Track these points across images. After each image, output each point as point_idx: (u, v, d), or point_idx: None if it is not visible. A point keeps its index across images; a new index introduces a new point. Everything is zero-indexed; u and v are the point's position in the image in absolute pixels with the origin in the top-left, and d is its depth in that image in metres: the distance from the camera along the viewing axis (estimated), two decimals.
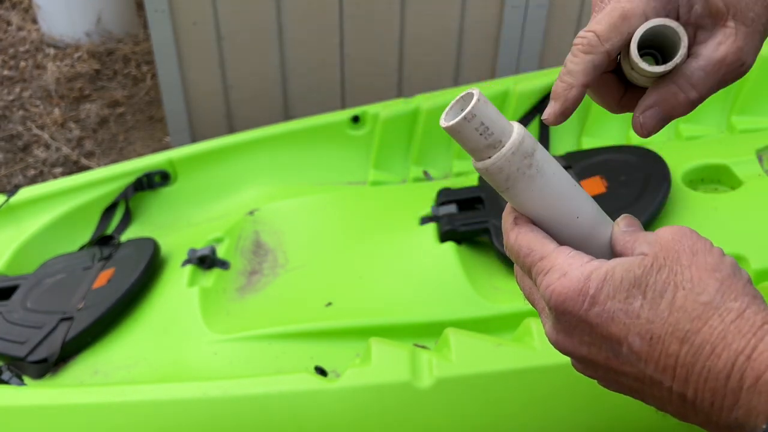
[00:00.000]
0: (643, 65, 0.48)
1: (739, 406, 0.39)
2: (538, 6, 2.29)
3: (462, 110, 0.46)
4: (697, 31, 0.49)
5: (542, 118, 0.50)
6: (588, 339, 0.45)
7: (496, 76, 2.43)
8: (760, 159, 1.25)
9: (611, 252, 0.49)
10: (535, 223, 0.50)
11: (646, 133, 0.51)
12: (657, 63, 0.50)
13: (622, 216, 0.50)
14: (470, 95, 0.46)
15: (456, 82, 2.46)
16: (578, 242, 0.49)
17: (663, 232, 0.45)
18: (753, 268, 1.05)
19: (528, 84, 1.59)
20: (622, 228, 0.49)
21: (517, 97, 1.59)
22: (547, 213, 0.49)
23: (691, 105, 0.50)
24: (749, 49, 0.49)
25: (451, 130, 0.46)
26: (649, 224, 1.16)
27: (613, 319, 0.43)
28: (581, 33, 0.49)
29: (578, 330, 0.45)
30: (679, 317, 0.41)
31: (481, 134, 0.46)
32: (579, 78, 0.49)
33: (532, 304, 0.51)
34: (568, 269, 0.45)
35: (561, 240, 0.49)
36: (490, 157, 0.47)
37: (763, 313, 0.40)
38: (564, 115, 0.49)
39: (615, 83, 0.54)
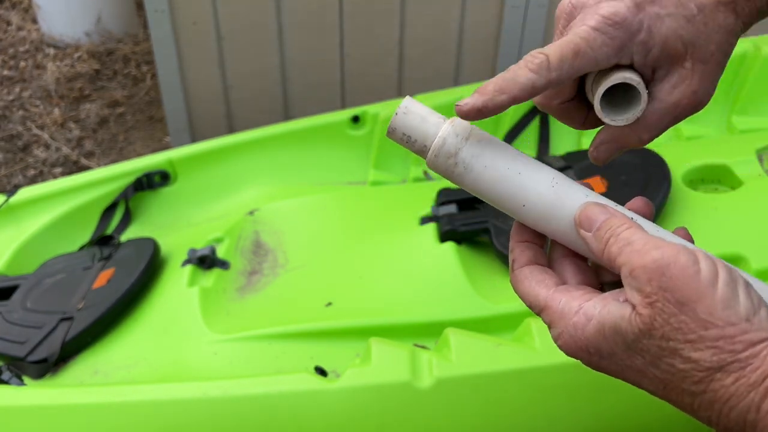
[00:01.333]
0: (607, 119, 0.49)
1: None
2: (538, 6, 2.29)
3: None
4: (655, 69, 0.50)
5: (456, 104, 0.49)
6: (612, 374, 0.46)
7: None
8: (760, 159, 1.25)
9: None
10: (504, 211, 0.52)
11: (600, 162, 0.53)
12: (614, 100, 0.51)
13: (580, 209, 0.49)
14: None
15: (456, 82, 2.46)
16: (541, 226, 0.50)
17: (640, 276, 0.41)
18: (753, 268, 1.05)
19: None
20: (587, 229, 0.48)
21: None
22: (496, 203, 0.51)
23: (642, 143, 0.52)
24: (706, 89, 0.50)
25: (391, 129, 0.51)
26: None
27: (623, 370, 0.44)
28: (535, 52, 0.49)
29: (600, 369, 0.47)
30: (683, 377, 0.41)
31: (407, 143, 0.50)
32: (514, 90, 0.48)
33: None
34: (563, 326, 0.46)
35: (527, 222, 0.51)
36: (431, 143, 0.50)
37: (765, 362, 0.38)
38: (480, 114, 0.48)
39: (577, 109, 0.55)
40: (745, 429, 0.39)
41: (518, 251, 0.51)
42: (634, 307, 0.42)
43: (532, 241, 0.52)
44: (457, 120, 0.51)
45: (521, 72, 0.48)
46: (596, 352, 0.45)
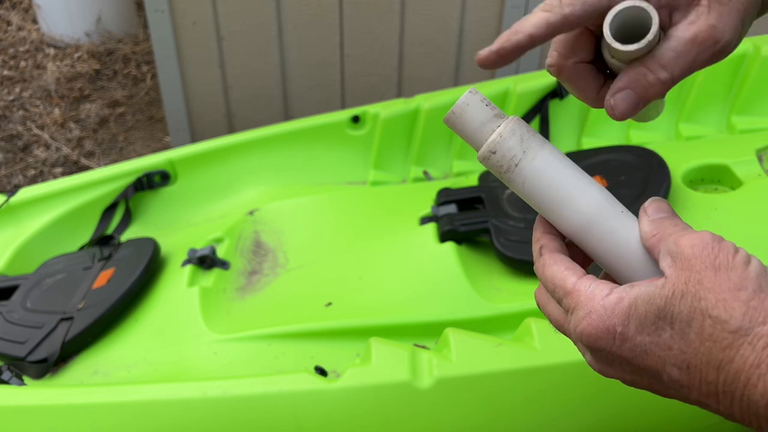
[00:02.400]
0: (616, 44, 0.48)
1: None
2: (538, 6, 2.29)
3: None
4: (672, 12, 0.48)
5: (476, 57, 0.49)
6: (628, 368, 0.45)
7: (496, 76, 2.43)
8: (760, 159, 1.26)
9: (639, 241, 0.48)
10: (543, 210, 0.50)
11: (618, 114, 0.50)
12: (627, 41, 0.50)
13: (651, 200, 0.49)
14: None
15: (456, 82, 2.46)
16: (591, 227, 0.49)
17: (684, 242, 0.43)
18: None
19: (528, 84, 1.59)
20: (650, 215, 0.48)
21: (517, 97, 1.59)
22: (557, 190, 0.49)
23: (662, 85, 0.49)
24: (724, 27, 0.47)
25: (460, 107, 0.49)
26: None
27: (647, 353, 0.43)
28: None
29: (616, 362, 0.45)
30: (710, 347, 0.40)
31: (486, 105, 0.50)
32: (527, 27, 0.48)
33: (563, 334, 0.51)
34: (591, 307, 0.45)
35: (569, 229, 0.49)
36: (499, 125, 0.49)
37: None
38: (498, 55, 0.48)
39: (593, 75, 0.53)
40: None
41: (546, 239, 0.51)
42: (667, 277, 0.43)
43: (558, 234, 0.52)
44: (517, 118, 0.50)
45: (534, 13, 0.48)
46: (622, 334, 0.43)
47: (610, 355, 0.45)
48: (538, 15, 0.48)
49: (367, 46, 2.37)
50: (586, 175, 0.50)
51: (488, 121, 0.49)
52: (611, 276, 0.50)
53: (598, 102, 0.54)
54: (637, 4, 0.47)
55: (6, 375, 1.16)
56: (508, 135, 0.48)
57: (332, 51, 2.38)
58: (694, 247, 0.42)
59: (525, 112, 1.61)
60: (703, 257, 0.42)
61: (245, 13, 2.28)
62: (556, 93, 1.60)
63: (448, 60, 2.42)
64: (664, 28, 0.48)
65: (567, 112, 1.61)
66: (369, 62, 2.41)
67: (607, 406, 0.91)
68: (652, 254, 0.46)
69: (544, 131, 1.60)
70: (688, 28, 0.47)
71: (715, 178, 1.27)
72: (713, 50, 0.47)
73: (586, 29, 0.52)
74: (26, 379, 1.19)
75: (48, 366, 1.20)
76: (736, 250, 0.42)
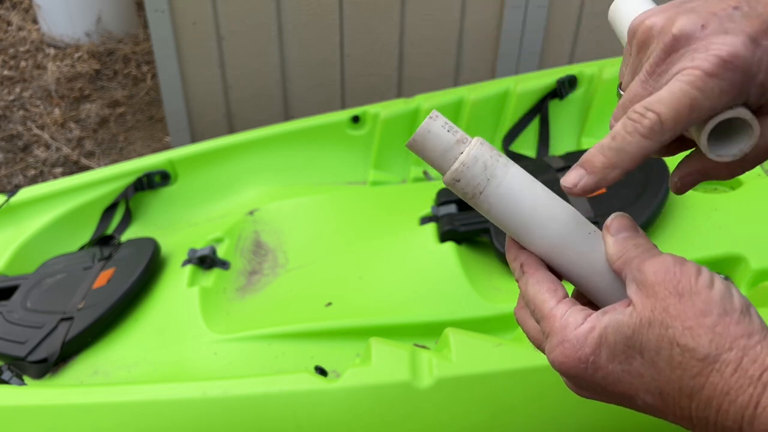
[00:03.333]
0: (712, 155, 0.45)
1: None
2: (538, 6, 2.29)
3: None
4: (761, 107, 0.45)
5: (564, 185, 0.46)
6: (603, 394, 0.45)
7: (496, 76, 2.43)
8: None
9: (606, 264, 0.47)
10: (512, 234, 0.49)
11: (680, 193, 0.49)
12: (716, 133, 0.47)
13: (613, 217, 0.48)
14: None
15: (456, 82, 2.46)
16: (558, 250, 0.48)
17: (647, 268, 0.43)
18: (753, 268, 1.05)
19: (528, 84, 1.59)
20: (613, 234, 0.47)
21: (517, 97, 1.59)
22: (522, 215, 0.48)
23: (730, 178, 0.48)
24: None
25: (421, 135, 0.47)
26: (649, 224, 1.16)
27: (619, 381, 0.43)
28: (641, 108, 0.43)
29: (591, 388, 0.46)
30: (680, 375, 0.40)
31: (448, 131, 0.48)
32: (626, 163, 0.44)
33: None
34: (564, 336, 0.45)
35: (538, 252, 0.49)
36: (461, 153, 0.47)
37: (761, 356, 0.39)
38: (593, 190, 0.45)
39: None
40: (742, 426, 0.39)
41: (525, 255, 0.50)
42: (634, 304, 0.42)
43: None
44: (482, 140, 0.49)
45: (631, 139, 0.43)
46: (594, 363, 0.43)
47: (583, 381, 0.45)
48: (635, 143, 0.43)
49: (367, 46, 2.38)
50: (554, 196, 0.49)
51: (450, 148, 0.48)
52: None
53: (666, 154, 0.51)
54: (741, 115, 0.43)
55: (6, 375, 1.16)
56: (471, 163, 0.47)
57: (332, 51, 2.38)
58: (656, 274, 0.42)
59: (525, 112, 1.61)
60: (665, 283, 0.41)
61: (245, 13, 2.28)
62: (556, 93, 1.60)
63: (448, 60, 2.42)
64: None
65: (567, 112, 1.61)
66: (369, 62, 2.41)
67: (606, 405, 0.91)
68: (619, 276, 0.46)
69: (544, 131, 1.60)
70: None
71: None
72: None
73: None
74: (26, 379, 1.19)
75: (48, 366, 1.20)
76: (699, 272, 0.41)
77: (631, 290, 0.43)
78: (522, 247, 0.50)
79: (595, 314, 0.45)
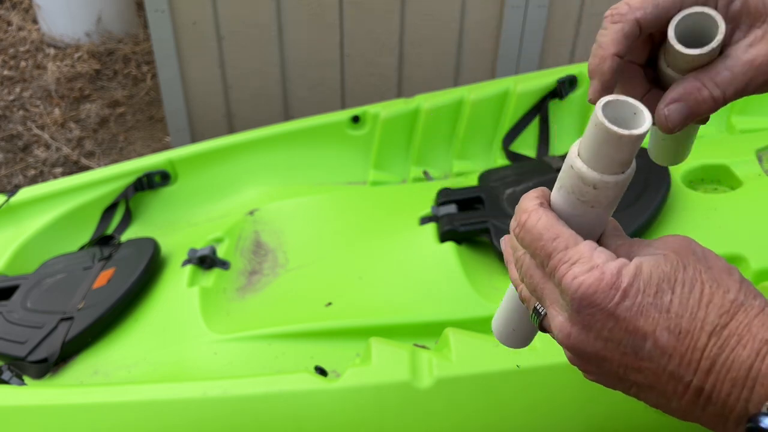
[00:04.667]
0: (679, 46, 0.47)
1: (755, 394, 0.40)
2: (538, 6, 2.29)
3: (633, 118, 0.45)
4: (734, 30, 0.49)
5: (588, 99, 0.50)
6: (607, 334, 0.44)
7: (496, 76, 2.43)
8: (760, 159, 1.25)
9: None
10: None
11: (671, 126, 0.50)
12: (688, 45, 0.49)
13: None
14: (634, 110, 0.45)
15: (456, 82, 2.46)
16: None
17: (668, 239, 0.46)
18: (753, 268, 1.05)
19: (528, 84, 1.59)
20: (610, 231, 0.49)
21: (517, 97, 1.59)
22: (590, 226, 0.49)
23: (714, 103, 0.49)
24: None
25: (635, 136, 0.44)
26: (649, 224, 1.16)
27: (642, 313, 0.43)
28: (613, 6, 0.49)
29: (599, 324, 0.44)
30: (708, 312, 0.42)
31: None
32: (609, 48, 0.48)
33: (534, 295, 0.49)
34: (598, 262, 0.44)
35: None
36: (629, 166, 0.46)
37: None
38: (607, 90, 0.49)
39: (641, 79, 0.53)
40: (754, 363, 0.40)
41: (546, 201, 0.49)
42: (665, 254, 0.45)
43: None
44: None
45: (606, 30, 0.49)
46: (625, 290, 0.43)
47: (598, 312, 0.43)
48: (611, 29, 0.48)
49: (367, 46, 2.38)
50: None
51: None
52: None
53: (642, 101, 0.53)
54: (705, 10, 0.47)
55: (6, 375, 1.16)
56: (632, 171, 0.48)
57: (332, 51, 2.38)
58: (680, 241, 0.45)
59: (525, 112, 1.61)
60: (691, 249, 0.45)
61: (245, 13, 2.28)
62: (556, 93, 1.60)
63: (448, 60, 2.42)
64: (724, 46, 0.48)
65: (567, 112, 1.61)
66: (369, 62, 2.41)
67: (606, 405, 0.91)
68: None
69: (544, 131, 1.60)
70: (747, 50, 0.48)
71: (714, 178, 1.27)
72: None
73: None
74: (26, 379, 1.19)
75: (48, 366, 1.20)
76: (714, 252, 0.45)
77: (651, 250, 0.45)
78: (548, 197, 0.49)
79: (624, 258, 0.45)
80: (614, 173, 0.45)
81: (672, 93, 0.50)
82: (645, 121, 0.43)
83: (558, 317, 0.46)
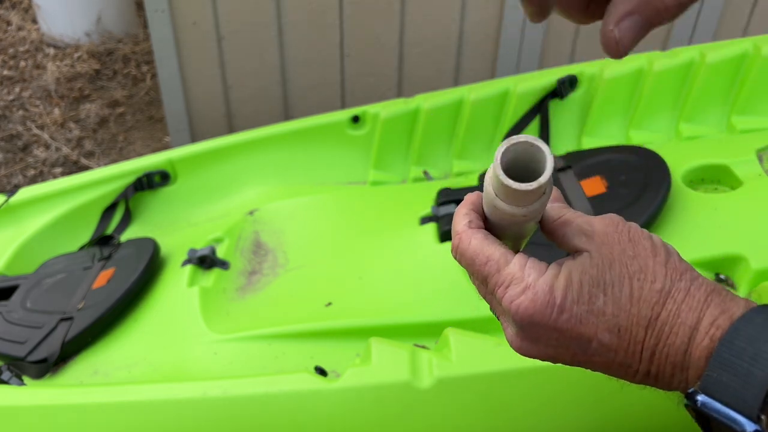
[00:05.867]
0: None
1: (690, 376, 0.43)
2: None
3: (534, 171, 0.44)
4: None
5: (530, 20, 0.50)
6: (555, 343, 0.47)
7: (496, 76, 2.43)
8: (760, 159, 1.25)
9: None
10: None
11: (622, 49, 0.45)
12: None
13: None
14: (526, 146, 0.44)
15: (456, 82, 2.46)
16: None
17: (596, 222, 0.47)
18: (753, 268, 1.05)
19: (528, 84, 1.59)
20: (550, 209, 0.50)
21: (517, 97, 1.59)
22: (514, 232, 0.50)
23: (667, 12, 0.44)
24: None
25: (536, 189, 0.44)
26: (649, 224, 1.16)
27: (581, 321, 0.45)
28: None
29: (545, 337, 0.46)
30: (640, 307, 0.44)
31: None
32: None
33: (490, 307, 0.52)
34: (530, 281, 0.46)
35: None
36: (544, 193, 0.46)
37: (704, 285, 0.44)
38: (541, 15, 0.50)
39: None
40: (688, 348, 0.43)
41: (475, 216, 0.50)
42: (589, 251, 0.46)
43: (484, 217, 0.51)
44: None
45: None
46: (560, 306, 0.45)
47: (542, 329, 0.46)
48: None
49: (367, 46, 2.37)
50: None
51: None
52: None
53: (587, 19, 0.51)
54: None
55: (6, 375, 1.16)
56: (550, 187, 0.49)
57: (332, 51, 2.38)
58: (607, 225, 0.46)
59: (525, 112, 1.61)
60: (618, 233, 0.46)
61: (245, 13, 2.28)
62: (556, 93, 1.60)
63: (448, 60, 2.42)
64: None
65: (567, 112, 1.61)
66: (369, 62, 2.41)
67: (606, 405, 0.91)
68: (553, 237, 0.49)
69: (545, 131, 1.60)
70: None
71: (715, 178, 1.27)
72: None
73: None
74: (26, 379, 1.19)
75: (48, 366, 1.20)
76: (639, 227, 0.47)
77: (581, 241, 0.47)
78: (474, 209, 0.50)
79: (553, 264, 0.47)
80: (526, 205, 0.45)
81: (622, 6, 0.44)
82: (546, 167, 0.43)
83: (508, 330, 0.49)
